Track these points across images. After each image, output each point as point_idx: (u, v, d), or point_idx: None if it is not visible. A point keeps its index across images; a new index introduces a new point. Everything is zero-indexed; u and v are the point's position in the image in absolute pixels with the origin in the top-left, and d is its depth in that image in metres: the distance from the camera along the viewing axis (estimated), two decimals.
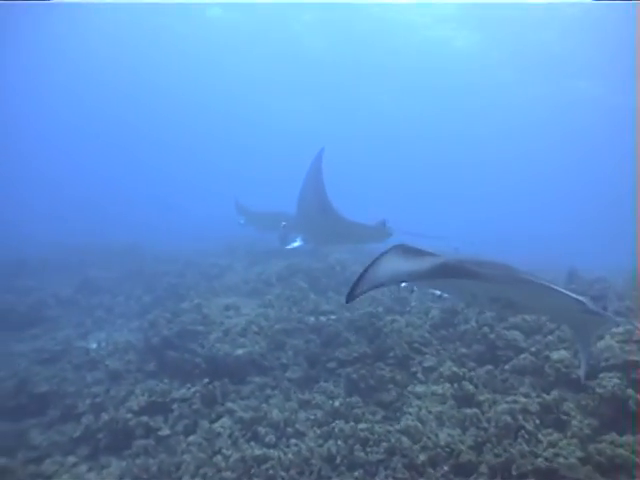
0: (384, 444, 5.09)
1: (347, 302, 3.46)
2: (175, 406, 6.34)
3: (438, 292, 5.80)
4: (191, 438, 5.75)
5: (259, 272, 11.21)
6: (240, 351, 7.13)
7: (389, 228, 8.55)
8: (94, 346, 8.63)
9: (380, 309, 8.12)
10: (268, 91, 40.15)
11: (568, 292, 4.07)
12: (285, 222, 9.51)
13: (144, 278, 12.93)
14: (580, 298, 4.07)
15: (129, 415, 6.18)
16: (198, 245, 16.97)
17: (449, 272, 3.86)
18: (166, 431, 5.99)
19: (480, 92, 35.52)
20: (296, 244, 8.98)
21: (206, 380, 6.62)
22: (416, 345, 7.02)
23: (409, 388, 6.21)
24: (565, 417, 5.27)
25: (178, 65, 37.25)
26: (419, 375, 6.52)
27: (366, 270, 3.44)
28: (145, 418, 6.14)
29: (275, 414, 5.88)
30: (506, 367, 6.37)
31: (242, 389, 6.60)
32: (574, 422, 5.16)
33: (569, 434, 5.02)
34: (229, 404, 6.24)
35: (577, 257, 11.69)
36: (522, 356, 6.39)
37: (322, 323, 7.82)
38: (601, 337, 6.36)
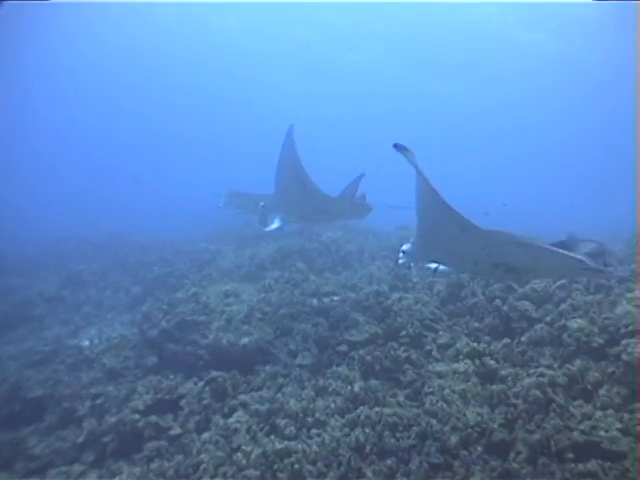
0: (415, 428, 4.85)
1: (394, 146, 3.85)
2: (184, 402, 6.02)
3: (434, 265, 5.52)
4: (206, 435, 5.42)
5: (251, 256, 10.79)
6: (246, 339, 6.80)
7: (368, 202, 8.23)
8: (87, 344, 8.22)
9: (385, 287, 7.87)
10: (263, 71, 38.91)
11: (567, 252, 4.07)
12: (263, 202, 9.11)
13: (130, 269, 12.44)
14: (579, 257, 4.04)
15: (136, 415, 5.84)
16: (182, 231, 16.38)
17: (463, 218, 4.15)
18: (177, 430, 5.68)
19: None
20: (275, 225, 8.62)
21: (214, 372, 6.28)
22: (427, 322, 6.79)
23: (428, 367, 5.97)
24: (592, 387, 5.11)
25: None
26: (434, 353, 6.30)
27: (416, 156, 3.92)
28: (154, 417, 5.81)
29: (292, 404, 5.56)
30: (523, 339, 6.18)
31: (252, 380, 6.28)
32: (601, 392, 5.01)
33: (599, 405, 4.86)
34: (241, 396, 5.91)
35: (576, 224, 11.55)
36: (538, 327, 6.21)
37: (327, 305, 7.52)
38: (616, 302, 6.24)
